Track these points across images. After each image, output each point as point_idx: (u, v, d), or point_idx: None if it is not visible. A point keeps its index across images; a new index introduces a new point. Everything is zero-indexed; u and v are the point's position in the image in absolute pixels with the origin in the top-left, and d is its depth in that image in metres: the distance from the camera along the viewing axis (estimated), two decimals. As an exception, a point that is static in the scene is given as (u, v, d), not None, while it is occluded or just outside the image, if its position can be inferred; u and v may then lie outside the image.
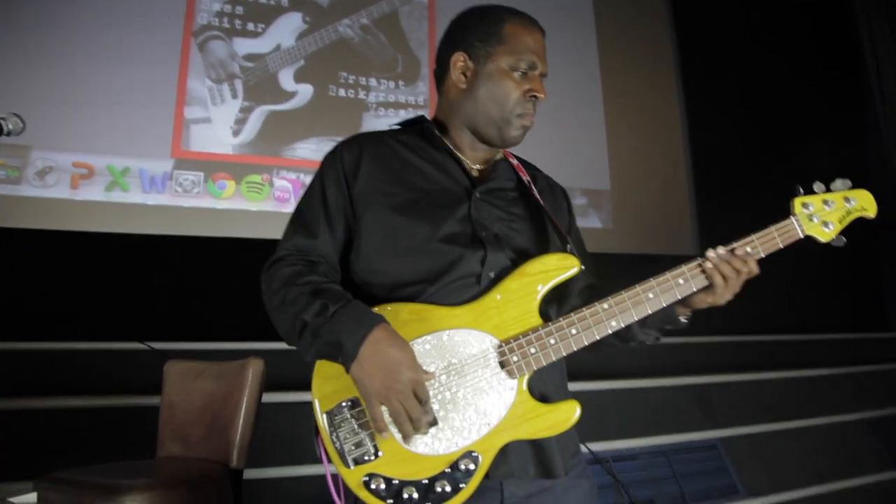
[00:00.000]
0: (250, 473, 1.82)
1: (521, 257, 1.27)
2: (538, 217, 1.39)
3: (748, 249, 1.26)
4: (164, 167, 3.83)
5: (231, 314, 3.56)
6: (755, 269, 1.25)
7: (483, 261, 1.26)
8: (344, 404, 1.16)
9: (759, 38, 5.85)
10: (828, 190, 1.34)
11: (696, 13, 5.72)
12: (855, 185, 1.37)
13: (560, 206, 1.50)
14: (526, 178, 1.42)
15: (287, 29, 4.37)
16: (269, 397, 1.98)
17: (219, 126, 4.05)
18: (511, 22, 1.35)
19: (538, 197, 1.40)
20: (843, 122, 6.23)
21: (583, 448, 2.74)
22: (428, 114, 4.67)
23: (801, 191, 1.33)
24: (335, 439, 1.14)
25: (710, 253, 1.24)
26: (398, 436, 1.13)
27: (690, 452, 3.08)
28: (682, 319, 1.33)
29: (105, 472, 1.52)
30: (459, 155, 1.38)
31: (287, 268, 1.25)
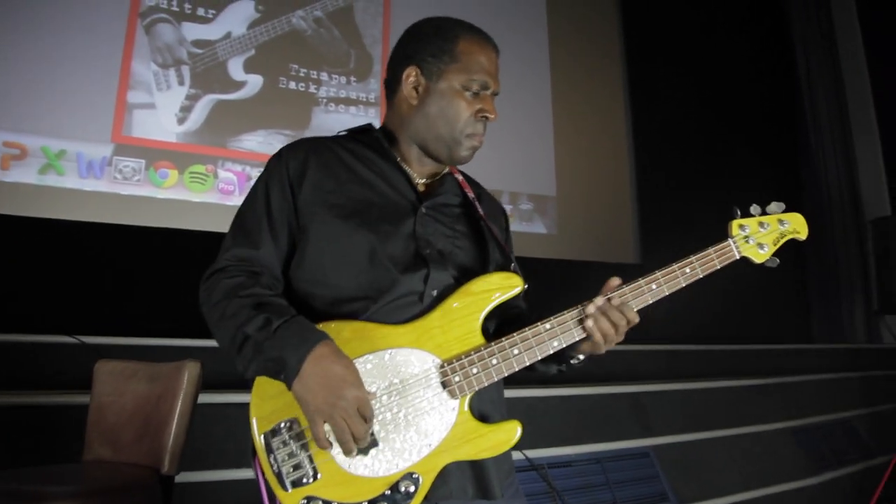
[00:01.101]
0: (182, 477, 1.76)
1: (464, 275, 1.27)
2: (481, 235, 1.39)
3: (687, 270, 1.30)
4: (103, 152, 3.68)
5: (169, 309, 3.45)
6: (634, 319, 1.24)
7: (426, 279, 1.24)
8: (283, 424, 1.13)
9: (703, 56, 6.04)
10: (763, 213, 1.40)
11: (645, 27, 5.89)
12: (789, 206, 1.44)
13: (500, 226, 1.50)
14: (471, 194, 1.42)
15: (239, 17, 4.26)
16: (204, 397, 1.93)
17: (163, 112, 3.92)
18: (466, 39, 1.33)
19: (482, 215, 1.40)
20: (780, 137, 6.50)
21: (519, 454, 2.78)
22: (379, 112, 4.66)
23: (739, 213, 1.38)
24: (273, 461, 1.11)
25: (590, 309, 1.23)
26: (339, 457, 1.12)
27: (624, 460, 3.15)
28: (573, 362, 1.33)
29: (26, 477, 1.45)
30: (407, 168, 1.36)
31: (228, 279, 1.21)
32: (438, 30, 1.35)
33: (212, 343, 2.07)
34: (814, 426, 4.19)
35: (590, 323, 1.22)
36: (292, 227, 1.28)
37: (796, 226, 1.42)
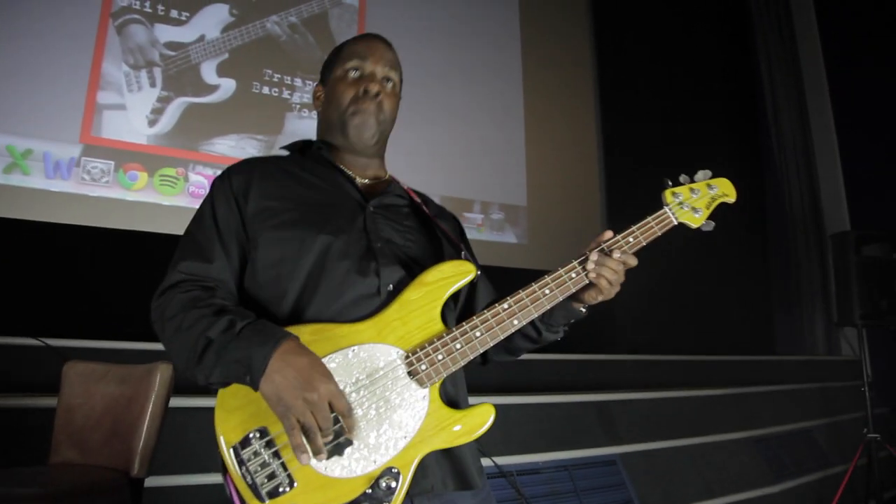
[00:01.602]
0: (151, 481, 1.74)
1: (418, 268, 1.29)
2: (431, 230, 1.43)
3: (630, 240, 1.36)
4: (70, 152, 3.62)
5: (136, 312, 3.40)
6: (632, 262, 1.33)
7: (378, 272, 1.25)
8: (251, 435, 1.09)
9: (673, 73, 6.18)
10: (692, 180, 1.47)
11: (617, 41, 6.01)
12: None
13: (454, 230, 1.52)
14: (416, 198, 1.46)
15: (213, 20, 4.24)
16: (175, 401, 1.91)
17: (133, 114, 3.87)
18: (349, 44, 1.46)
19: (428, 212, 1.45)
20: (746, 156, 6.67)
21: (488, 461, 2.80)
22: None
23: (670, 183, 1.46)
24: (245, 473, 1.07)
25: (589, 264, 1.30)
26: (314, 461, 1.08)
27: (591, 467, 3.19)
28: (582, 309, 1.38)
29: (-9, 479, 1.43)
30: (349, 172, 1.40)
31: (183, 294, 1.19)
32: (333, 50, 1.49)
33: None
34: (774, 435, 4.29)
35: (592, 275, 1.29)
36: (241, 240, 1.28)
37: (725, 189, 1.49)
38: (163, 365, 1.72)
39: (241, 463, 1.07)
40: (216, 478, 2.28)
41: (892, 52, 5.52)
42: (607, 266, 1.29)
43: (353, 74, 1.39)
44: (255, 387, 1.07)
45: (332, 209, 1.31)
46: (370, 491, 1.10)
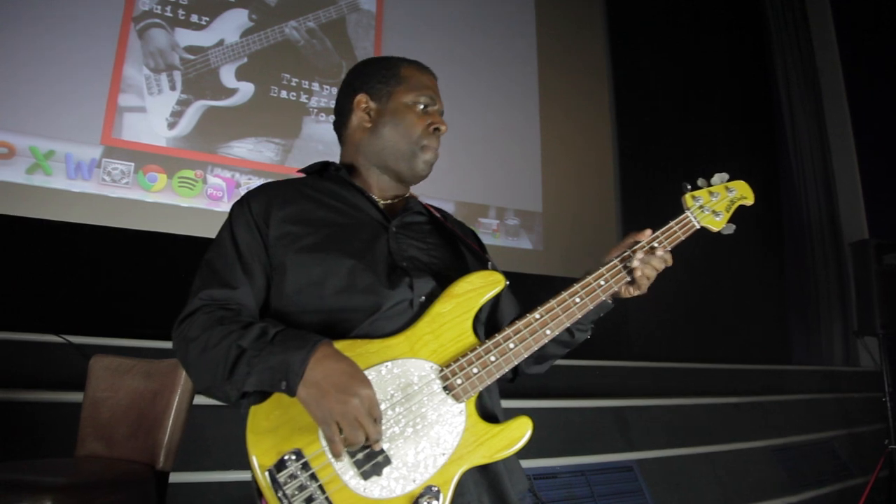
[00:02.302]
0: (173, 478, 1.74)
1: (445, 282, 1.27)
2: (454, 245, 1.43)
3: (654, 245, 1.37)
4: (92, 154, 3.66)
5: (154, 311, 3.42)
6: (670, 260, 1.37)
7: (411, 286, 1.24)
8: (287, 458, 1.05)
9: (689, 82, 6.17)
10: (709, 184, 1.48)
11: (632, 47, 6.01)
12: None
13: (475, 244, 1.51)
14: (436, 213, 1.46)
15: (232, 25, 4.28)
16: (195, 400, 1.91)
17: (154, 116, 3.91)
18: (406, 66, 1.43)
19: (451, 227, 1.45)
20: (762, 164, 6.63)
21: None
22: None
23: (689, 186, 1.46)
24: (282, 497, 1.02)
25: (635, 262, 1.33)
26: (352, 482, 1.05)
27: (608, 473, 3.16)
28: (610, 301, 1.40)
29: (18, 469, 1.42)
30: (369, 193, 1.39)
31: (206, 315, 1.17)
32: (380, 61, 1.45)
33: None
34: (794, 445, 4.23)
35: (638, 273, 1.32)
36: (265, 264, 1.26)
37: (743, 192, 1.49)
38: (187, 359, 1.73)
39: (277, 487, 1.03)
40: (234, 476, 2.29)
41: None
42: (651, 264, 1.33)
43: (422, 108, 1.39)
44: (293, 392, 1.05)
45: (355, 231, 1.31)
46: None
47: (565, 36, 5.82)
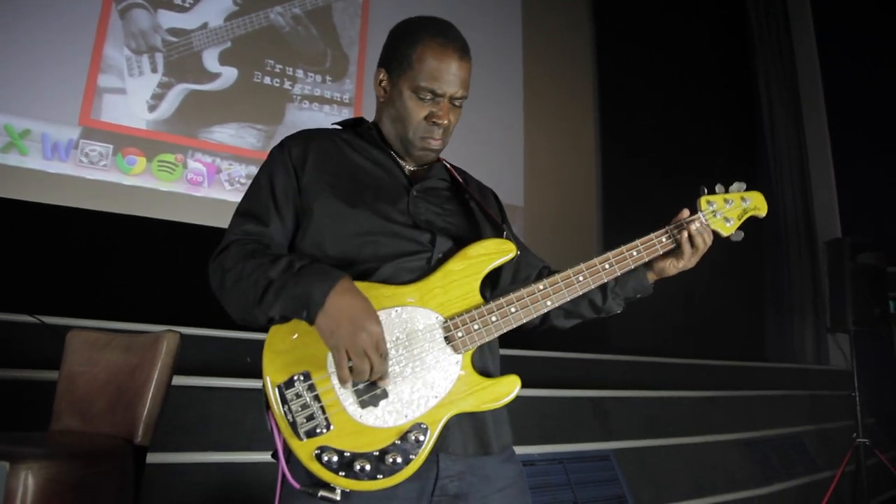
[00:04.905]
0: (152, 458, 1.73)
1: (459, 247, 1.34)
2: (471, 213, 1.47)
3: (663, 239, 1.45)
4: (69, 134, 3.60)
5: (131, 294, 3.38)
6: (710, 239, 1.46)
7: (433, 242, 1.32)
8: (296, 377, 1.16)
9: (672, 78, 6.23)
10: (726, 191, 1.52)
11: (617, 45, 6.05)
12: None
13: (491, 206, 1.56)
14: (459, 179, 1.51)
15: (216, 8, 4.23)
16: (174, 381, 1.89)
17: (134, 99, 3.85)
18: (424, 44, 1.35)
19: (472, 194, 1.49)
20: (741, 164, 6.73)
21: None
22: (352, 112, 4.70)
23: (706, 190, 1.50)
24: (287, 411, 1.14)
25: (693, 226, 1.42)
26: (350, 408, 1.16)
27: (585, 462, 3.19)
28: (651, 286, 1.50)
29: (-7, 441, 1.40)
30: (396, 156, 1.44)
31: (240, 248, 1.26)
32: (405, 34, 1.40)
33: (174, 329, 2.03)
34: (764, 438, 4.31)
35: (691, 232, 1.42)
36: (297, 205, 1.34)
37: (757, 203, 1.54)
38: (170, 333, 1.71)
39: (283, 401, 1.14)
40: (212, 457, 2.27)
41: (888, 61, 5.60)
42: (703, 235, 1.43)
43: (424, 96, 1.35)
44: (312, 320, 1.13)
45: (380, 189, 1.37)
46: (399, 442, 1.16)
47: (551, 32, 5.85)
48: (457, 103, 1.39)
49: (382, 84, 1.42)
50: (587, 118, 5.90)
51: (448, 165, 1.52)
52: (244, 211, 1.34)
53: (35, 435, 1.63)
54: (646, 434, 3.61)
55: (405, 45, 1.37)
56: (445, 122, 1.37)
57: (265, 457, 2.29)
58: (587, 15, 6.18)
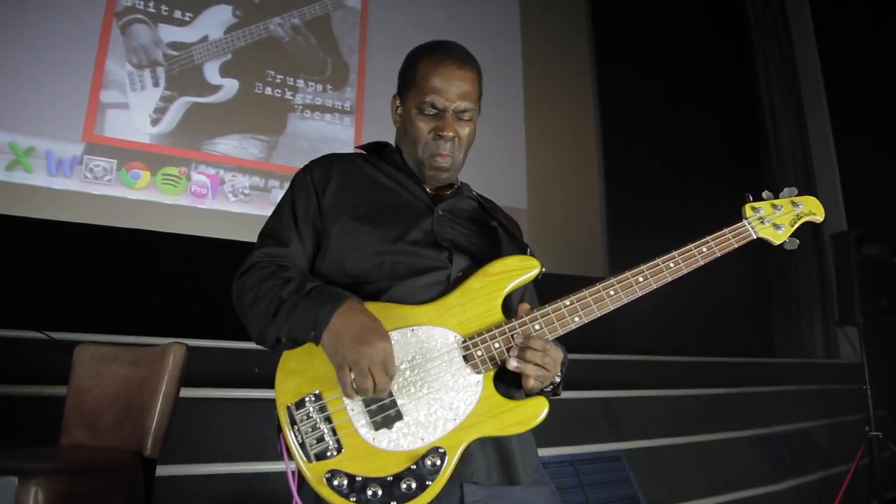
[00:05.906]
0: (160, 471, 1.73)
1: (480, 264, 1.29)
2: (495, 235, 1.44)
3: (704, 249, 1.34)
4: (73, 151, 3.62)
5: (138, 307, 3.40)
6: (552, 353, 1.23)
7: (451, 260, 1.30)
8: (307, 398, 1.14)
9: (673, 78, 6.23)
10: (775, 197, 1.43)
11: (617, 46, 6.04)
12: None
13: (516, 232, 1.53)
14: (485, 204, 1.50)
15: (216, 21, 4.26)
16: (182, 392, 1.90)
17: (136, 113, 3.88)
18: (424, 62, 1.38)
19: (497, 217, 1.47)
20: (743, 157, 6.71)
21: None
22: (353, 120, 4.71)
23: (751, 197, 1.42)
24: (296, 433, 1.12)
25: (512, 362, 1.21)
26: (362, 430, 1.12)
27: (596, 463, 3.18)
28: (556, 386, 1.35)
29: (1, 457, 1.41)
30: (418, 178, 1.43)
31: (260, 270, 1.28)
32: (410, 59, 1.43)
33: (181, 341, 2.04)
34: (776, 435, 4.29)
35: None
36: (317, 228, 1.36)
37: (812, 207, 1.43)
38: (177, 345, 1.72)
39: (293, 423, 1.12)
40: (221, 468, 2.28)
41: (890, 53, 5.57)
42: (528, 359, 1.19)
43: (428, 111, 1.36)
44: (318, 341, 1.13)
45: (403, 209, 1.37)
46: (414, 467, 1.10)
47: (550, 34, 5.85)
48: (464, 117, 1.38)
49: (398, 111, 1.44)
50: (588, 118, 5.90)
51: (475, 192, 1.52)
52: (267, 232, 1.37)
53: (44, 450, 1.64)
54: (656, 433, 3.59)
55: (410, 69, 1.41)
56: (451, 133, 1.35)
57: (274, 467, 2.31)
58: (586, 16, 6.17)
